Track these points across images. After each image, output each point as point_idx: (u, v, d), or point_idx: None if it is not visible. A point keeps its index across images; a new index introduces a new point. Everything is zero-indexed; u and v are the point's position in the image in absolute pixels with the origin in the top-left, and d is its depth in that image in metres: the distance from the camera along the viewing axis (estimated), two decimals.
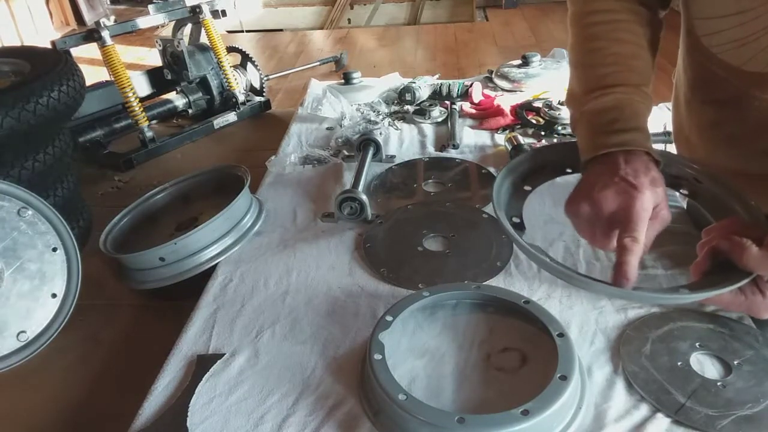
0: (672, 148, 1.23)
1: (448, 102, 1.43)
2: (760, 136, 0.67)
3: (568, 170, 0.73)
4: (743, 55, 0.62)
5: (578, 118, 0.71)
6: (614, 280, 0.57)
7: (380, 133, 1.28)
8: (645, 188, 0.59)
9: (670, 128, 1.14)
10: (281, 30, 4.64)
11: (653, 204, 0.59)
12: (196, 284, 0.90)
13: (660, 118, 1.37)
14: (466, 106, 1.41)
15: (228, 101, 1.90)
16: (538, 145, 1.19)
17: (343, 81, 1.61)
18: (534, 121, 1.30)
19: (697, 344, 0.70)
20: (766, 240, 0.54)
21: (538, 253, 0.61)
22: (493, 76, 1.57)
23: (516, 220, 0.67)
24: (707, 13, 0.65)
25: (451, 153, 1.24)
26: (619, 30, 0.70)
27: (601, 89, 0.68)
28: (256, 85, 2.02)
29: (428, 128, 1.36)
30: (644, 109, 0.67)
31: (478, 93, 1.44)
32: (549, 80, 1.49)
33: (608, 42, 0.70)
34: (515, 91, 1.49)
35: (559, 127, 1.25)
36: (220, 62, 1.85)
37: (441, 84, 1.50)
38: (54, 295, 0.90)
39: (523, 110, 1.34)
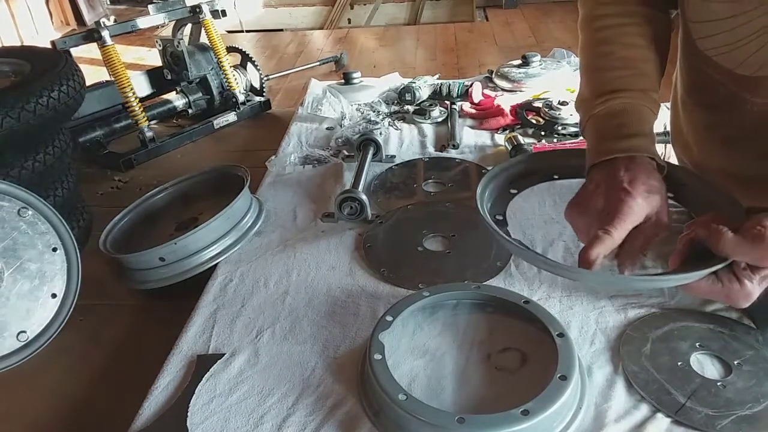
0: (671, 148, 1.23)
1: (448, 102, 1.43)
2: (753, 139, 0.67)
3: (555, 176, 0.74)
4: (736, 58, 0.62)
5: (586, 122, 0.71)
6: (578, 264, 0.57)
7: (380, 133, 1.28)
8: (638, 194, 0.59)
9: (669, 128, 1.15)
10: (281, 30, 4.64)
11: (646, 211, 0.59)
12: (196, 284, 0.90)
13: (660, 117, 1.36)
14: (466, 106, 1.41)
15: (228, 101, 1.90)
16: (536, 147, 1.19)
17: (343, 81, 1.61)
18: (534, 121, 1.30)
19: (697, 344, 0.70)
20: (743, 226, 0.54)
21: (515, 243, 0.61)
22: (493, 76, 1.57)
23: (499, 217, 0.68)
24: (701, 17, 0.66)
25: (451, 153, 1.24)
26: (627, 34, 0.70)
27: (608, 94, 0.68)
28: (256, 85, 2.02)
29: (428, 128, 1.36)
30: (650, 114, 0.67)
31: (478, 93, 1.44)
32: (549, 80, 1.49)
33: (617, 46, 0.70)
34: (515, 91, 1.49)
35: (559, 127, 1.25)
36: (220, 62, 1.85)
37: (441, 84, 1.50)
38: (54, 295, 0.90)
39: (523, 110, 1.33)
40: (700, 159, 0.74)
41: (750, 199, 0.69)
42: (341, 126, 1.37)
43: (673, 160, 0.92)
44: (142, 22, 1.79)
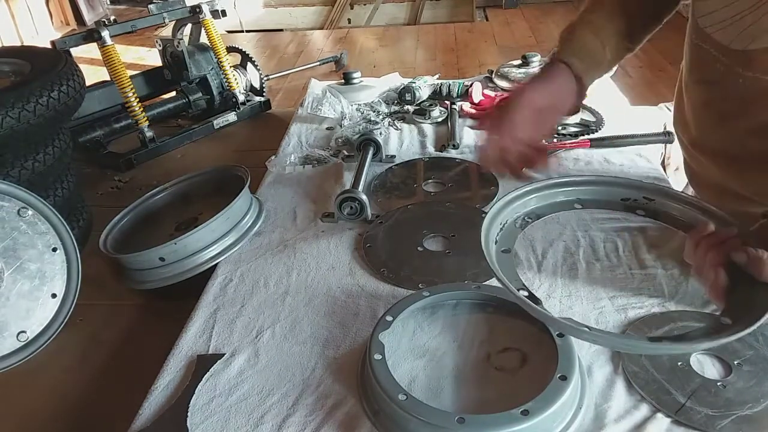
0: (672, 148, 1.23)
1: (448, 102, 1.43)
2: (744, 114, 0.71)
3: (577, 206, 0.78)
4: (730, 33, 0.66)
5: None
6: None
7: (380, 133, 1.28)
8: (529, 86, 0.76)
9: (670, 128, 1.15)
10: (281, 30, 4.64)
11: (534, 99, 0.76)
12: (196, 284, 0.90)
13: (659, 118, 1.37)
14: (466, 106, 1.41)
15: (228, 101, 1.90)
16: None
17: (343, 81, 1.61)
18: None
19: None
20: None
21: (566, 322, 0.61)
22: (493, 76, 1.57)
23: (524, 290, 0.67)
24: None
25: (451, 153, 1.23)
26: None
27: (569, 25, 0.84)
28: (256, 85, 2.01)
29: (428, 128, 1.36)
30: (588, 30, 0.81)
31: (478, 93, 1.44)
32: None
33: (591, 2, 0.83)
34: None
35: (560, 128, 1.25)
36: (220, 62, 1.84)
37: (441, 84, 1.50)
38: (54, 295, 0.90)
39: None
40: (697, 136, 0.79)
41: (744, 183, 0.71)
42: (341, 126, 1.37)
43: (674, 161, 0.93)
44: (142, 22, 1.79)
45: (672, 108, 0.96)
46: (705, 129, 0.77)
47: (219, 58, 1.85)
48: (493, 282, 0.84)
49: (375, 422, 0.63)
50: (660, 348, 0.63)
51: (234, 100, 1.88)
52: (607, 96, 1.42)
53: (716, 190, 0.79)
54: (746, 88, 0.67)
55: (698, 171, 0.82)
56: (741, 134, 0.72)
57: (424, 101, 1.45)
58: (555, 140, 1.24)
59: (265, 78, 2.07)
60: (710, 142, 0.77)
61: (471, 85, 1.45)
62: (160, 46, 1.83)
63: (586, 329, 0.60)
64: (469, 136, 1.29)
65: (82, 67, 1.27)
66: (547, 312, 0.62)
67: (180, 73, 1.82)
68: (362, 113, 1.43)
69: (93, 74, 2.53)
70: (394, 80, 1.61)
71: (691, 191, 0.91)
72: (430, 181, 1.14)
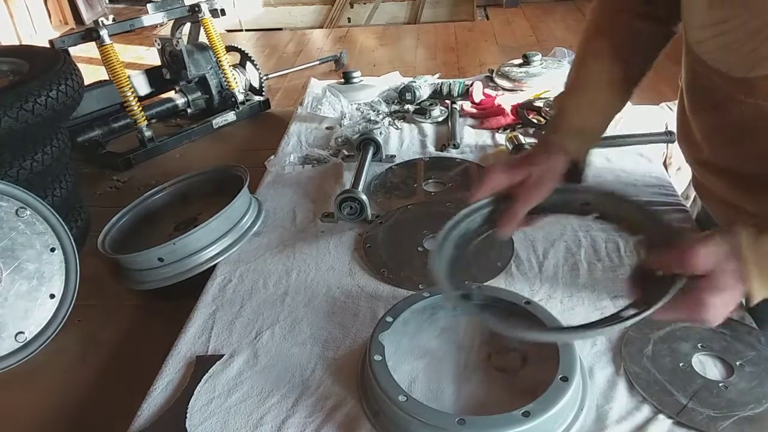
0: (673, 148, 1.23)
1: (448, 101, 1.43)
2: (752, 139, 0.69)
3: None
4: (728, 61, 0.64)
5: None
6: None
7: (380, 133, 1.28)
8: (501, 167, 0.71)
9: (672, 128, 1.14)
10: (281, 29, 4.64)
11: (504, 181, 0.70)
12: (195, 284, 0.90)
13: (661, 117, 1.36)
14: (467, 106, 1.40)
15: (227, 101, 1.89)
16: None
17: (342, 80, 1.61)
18: (535, 121, 1.30)
19: (699, 345, 0.70)
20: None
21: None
22: (493, 75, 1.57)
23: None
24: (693, 23, 0.68)
25: (452, 153, 1.23)
26: (590, 48, 0.78)
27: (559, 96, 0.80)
28: (256, 84, 2.01)
29: (428, 128, 1.35)
30: (572, 109, 0.76)
31: (478, 92, 1.43)
32: (550, 79, 1.48)
33: (584, 51, 0.79)
34: (516, 90, 1.49)
35: None
36: (219, 61, 1.84)
37: (441, 83, 1.50)
38: (52, 296, 0.89)
39: (524, 110, 1.33)
40: (709, 157, 0.76)
41: (756, 200, 0.69)
42: (341, 125, 1.37)
43: (676, 161, 0.92)
44: (141, 21, 1.79)
45: (674, 108, 0.95)
46: (715, 150, 0.75)
47: (218, 58, 1.84)
48: (494, 282, 0.84)
49: (375, 423, 0.63)
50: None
51: (233, 99, 1.87)
52: None
53: (727, 207, 0.77)
54: (750, 114, 0.65)
55: (708, 187, 0.80)
56: (753, 156, 0.70)
57: (424, 101, 1.44)
58: None
59: (265, 77, 2.07)
60: (723, 162, 0.75)
61: (471, 85, 1.45)
62: (159, 45, 1.82)
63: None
64: (469, 136, 1.29)
65: (80, 66, 1.27)
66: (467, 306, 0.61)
67: (179, 72, 1.81)
68: (362, 113, 1.43)
69: (91, 73, 2.53)
70: (394, 79, 1.61)
71: (693, 193, 0.89)
72: (430, 181, 1.14)
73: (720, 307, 0.52)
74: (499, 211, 0.70)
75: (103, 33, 1.56)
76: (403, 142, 1.30)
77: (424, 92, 1.47)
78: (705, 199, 0.83)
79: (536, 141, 0.77)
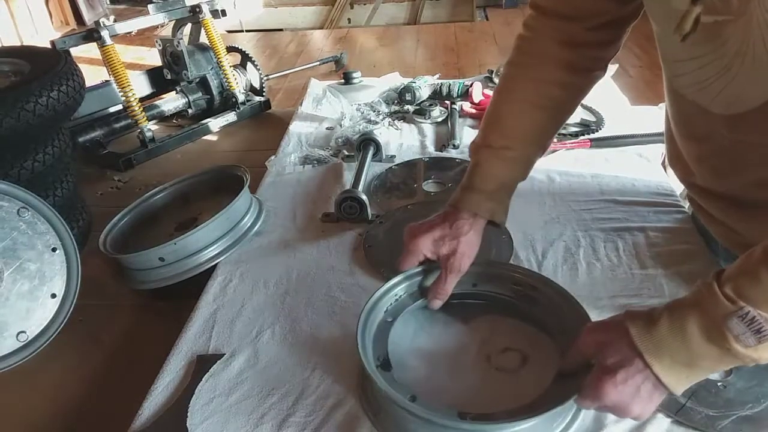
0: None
1: (448, 102, 1.43)
2: (739, 170, 0.68)
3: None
4: (706, 97, 0.63)
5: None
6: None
7: (380, 133, 1.28)
8: (424, 238, 0.73)
9: None
10: (281, 30, 4.64)
11: (428, 251, 0.73)
12: (196, 284, 0.90)
13: (660, 117, 1.36)
14: (467, 106, 1.41)
15: (228, 101, 1.90)
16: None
17: (343, 81, 1.61)
18: None
19: None
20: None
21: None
22: (493, 75, 1.57)
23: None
24: (670, 57, 0.67)
25: (452, 153, 1.23)
26: (516, 90, 0.76)
27: (477, 147, 0.77)
28: (256, 84, 2.01)
29: (428, 128, 1.36)
30: (494, 164, 0.75)
31: (478, 93, 1.43)
32: None
33: (502, 99, 0.77)
34: None
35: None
36: (220, 62, 1.84)
37: (441, 84, 1.50)
38: (53, 296, 0.90)
39: None
40: (702, 183, 0.76)
41: (749, 226, 0.69)
42: (341, 126, 1.37)
43: (671, 173, 0.91)
44: (142, 22, 1.79)
45: None
46: (707, 177, 0.74)
47: (219, 58, 1.85)
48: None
49: (375, 422, 0.63)
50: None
51: (234, 99, 1.88)
52: (607, 96, 1.42)
53: (722, 229, 0.76)
54: (735, 147, 0.65)
55: (701, 206, 0.79)
56: (742, 185, 0.69)
57: (424, 101, 1.45)
58: (555, 140, 1.23)
59: (265, 78, 2.07)
60: (715, 188, 0.74)
61: (471, 85, 1.45)
62: (159, 45, 1.83)
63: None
64: (469, 136, 1.29)
65: (81, 66, 1.27)
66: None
67: (180, 73, 1.82)
68: (362, 113, 1.43)
69: (93, 74, 2.53)
70: (394, 80, 1.61)
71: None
72: (430, 181, 1.14)
73: (621, 386, 0.52)
74: (428, 282, 0.75)
75: (104, 33, 1.57)
76: (403, 142, 1.31)
77: (423, 93, 1.47)
78: (699, 214, 0.82)
79: (455, 197, 0.76)
